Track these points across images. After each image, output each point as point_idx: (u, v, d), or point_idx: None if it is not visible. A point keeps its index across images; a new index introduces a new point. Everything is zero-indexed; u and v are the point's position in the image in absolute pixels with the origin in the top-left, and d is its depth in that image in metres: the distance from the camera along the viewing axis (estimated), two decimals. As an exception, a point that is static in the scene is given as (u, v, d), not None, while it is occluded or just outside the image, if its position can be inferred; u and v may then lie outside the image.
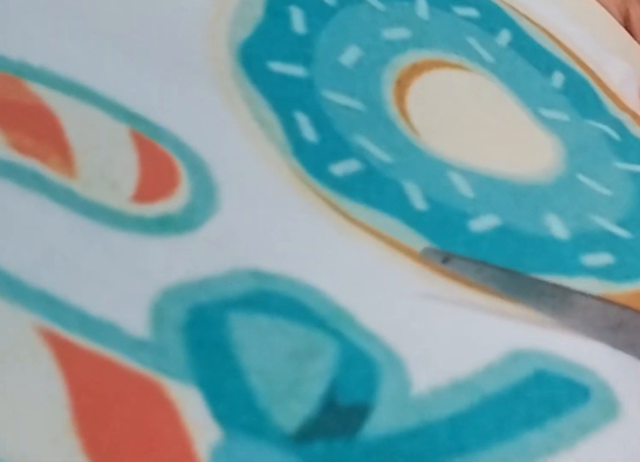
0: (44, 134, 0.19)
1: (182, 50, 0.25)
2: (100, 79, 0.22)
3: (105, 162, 0.20)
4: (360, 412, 0.18)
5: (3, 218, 0.17)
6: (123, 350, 0.16)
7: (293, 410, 0.17)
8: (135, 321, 0.17)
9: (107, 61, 0.22)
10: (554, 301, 0.22)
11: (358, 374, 0.19)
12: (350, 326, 0.19)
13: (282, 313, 0.19)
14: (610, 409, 0.21)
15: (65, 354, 0.16)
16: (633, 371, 0.22)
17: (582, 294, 0.22)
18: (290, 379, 0.18)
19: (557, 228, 0.26)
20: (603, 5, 0.38)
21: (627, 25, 0.39)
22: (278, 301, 0.19)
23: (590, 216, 0.28)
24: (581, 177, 0.30)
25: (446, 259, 0.21)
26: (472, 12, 0.34)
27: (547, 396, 0.20)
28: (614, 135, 0.33)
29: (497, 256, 0.24)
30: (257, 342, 0.18)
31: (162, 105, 0.22)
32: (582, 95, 0.34)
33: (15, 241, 0.17)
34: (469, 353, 0.21)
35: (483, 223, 0.25)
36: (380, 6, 0.32)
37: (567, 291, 0.22)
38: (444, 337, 0.21)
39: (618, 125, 0.34)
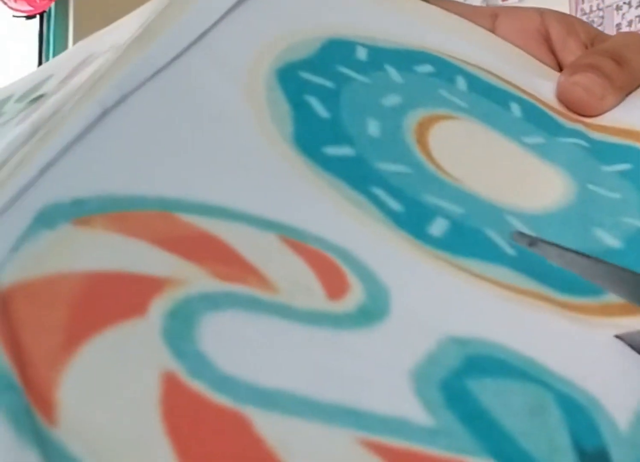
0: (227, 258, 0.19)
1: (262, 155, 0.25)
2: (228, 197, 0.22)
3: (286, 270, 0.20)
4: (605, 459, 0.19)
5: (261, 348, 0.17)
6: (423, 441, 0.17)
7: None
8: (416, 412, 0.17)
9: (226, 179, 0.22)
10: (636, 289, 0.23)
11: (580, 421, 0.19)
12: (548, 375, 0.20)
13: (498, 373, 0.20)
14: None
15: (390, 456, 0.16)
16: None
17: None
18: (546, 437, 0.18)
19: (608, 240, 0.28)
20: (525, 30, 0.42)
21: (550, 45, 0.42)
22: (489, 363, 0.20)
23: (623, 220, 0.30)
24: (592, 187, 0.32)
25: (532, 242, 0.23)
26: (429, 68, 0.37)
27: None
28: (584, 143, 0.35)
29: None
30: (500, 405, 0.19)
31: (288, 207, 0.23)
32: (539, 118, 0.37)
33: (284, 366, 0.17)
34: None
35: None
36: (365, 80, 0.33)
37: None
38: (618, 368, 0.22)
39: (580, 135, 0.36)
